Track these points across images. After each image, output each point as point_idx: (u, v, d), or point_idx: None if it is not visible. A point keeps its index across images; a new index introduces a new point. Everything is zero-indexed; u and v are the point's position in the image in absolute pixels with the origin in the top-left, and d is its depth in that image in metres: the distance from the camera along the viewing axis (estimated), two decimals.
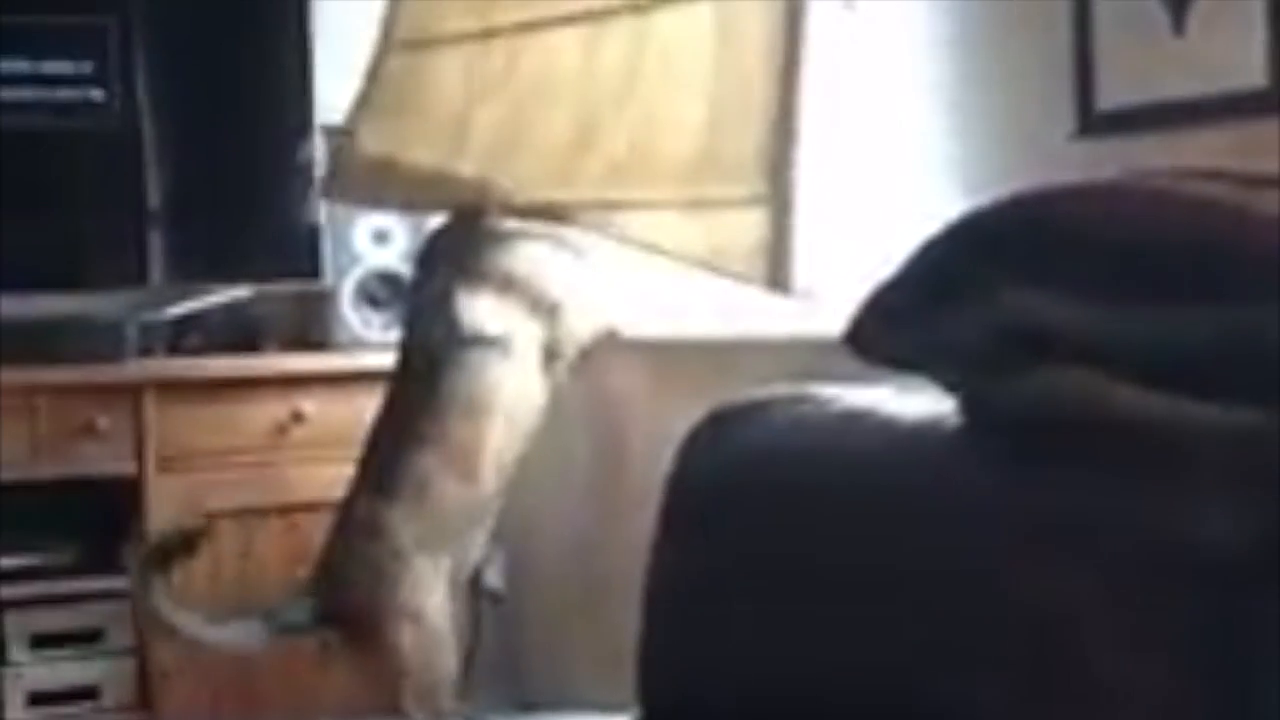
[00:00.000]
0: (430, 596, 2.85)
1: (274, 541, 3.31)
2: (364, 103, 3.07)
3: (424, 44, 2.94)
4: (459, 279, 2.90)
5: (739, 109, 2.23)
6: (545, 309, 2.92)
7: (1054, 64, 2.24)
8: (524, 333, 2.90)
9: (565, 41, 2.60)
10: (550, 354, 2.94)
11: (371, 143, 3.03)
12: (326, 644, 2.87)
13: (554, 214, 2.70)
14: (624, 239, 2.55)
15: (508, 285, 2.90)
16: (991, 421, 1.65)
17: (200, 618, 2.85)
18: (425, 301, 2.97)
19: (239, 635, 2.86)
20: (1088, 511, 1.48)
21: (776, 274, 2.12)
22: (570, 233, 2.90)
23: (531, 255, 2.92)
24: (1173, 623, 1.39)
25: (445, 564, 2.88)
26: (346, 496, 2.91)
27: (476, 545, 2.99)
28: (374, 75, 3.06)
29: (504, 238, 2.91)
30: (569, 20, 2.59)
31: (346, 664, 2.89)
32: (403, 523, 2.83)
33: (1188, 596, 1.39)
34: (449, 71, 2.88)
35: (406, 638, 2.82)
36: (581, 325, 2.98)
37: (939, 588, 1.58)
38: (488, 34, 2.78)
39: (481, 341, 2.86)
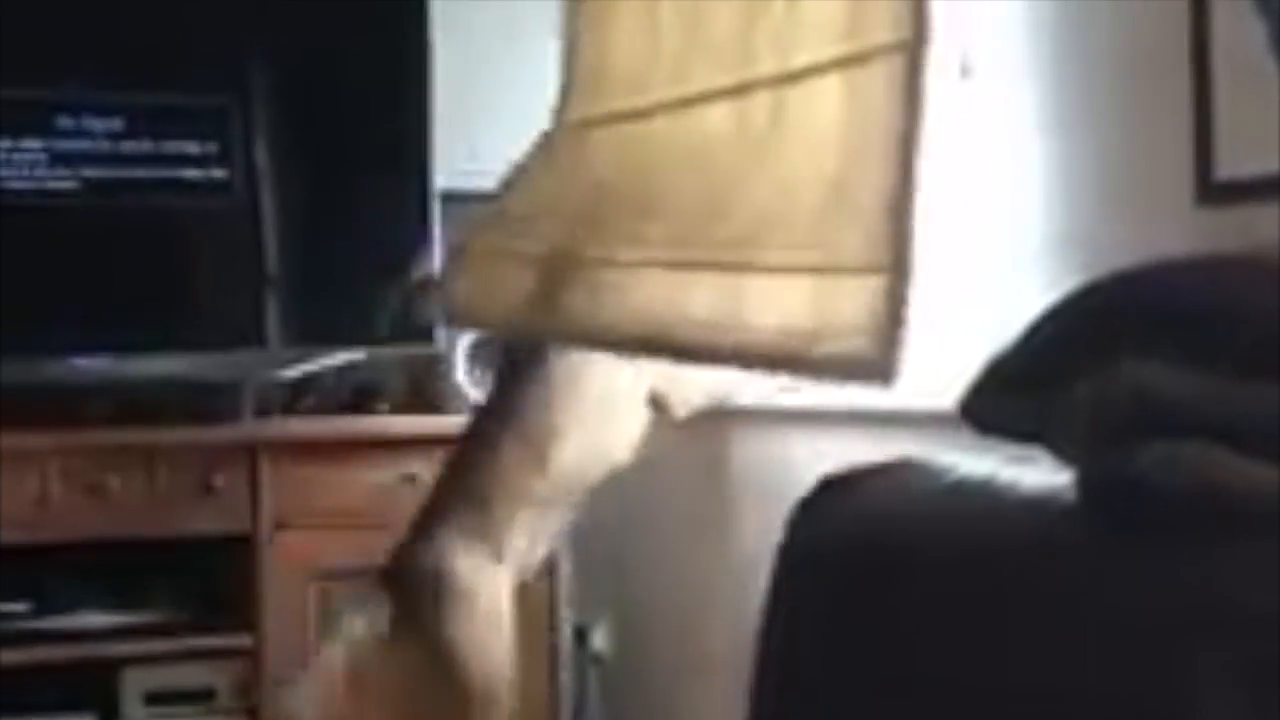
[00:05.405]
0: (484, 582, 2.85)
1: None
2: (518, 174, 3.08)
3: (583, 125, 2.97)
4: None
5: (861, 178, 2.23)
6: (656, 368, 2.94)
7: (1173, 133, 2.23)
8: (633, 370, 2.91)
9: (713, 115, 2.61)
10: (657, 403, 2.95)
11: (493, 232, 3.04)
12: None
13: (659, 346, 2.69)
14: (727, 361, 2.53)
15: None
16: (1109, 494, 1.63)
17: None
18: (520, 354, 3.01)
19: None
20: (1210, 588, 1.46)
21: (884, 347, 2.10)
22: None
23: None
24: None
25: (510, 557, 2.87)
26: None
27: (541, 541, 2.98)
28: (531, 156, 3.08)
29: None
30: (718, 95, 2.61)
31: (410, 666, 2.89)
32: (460, 523, 2.84)
33: None
34: (602, 150, 2.90)
35: (462, 624, 2.82)
36: (694, 388, 2.98)
37: (1055, 664, 1.56)
38: (641, 113, 2.80)
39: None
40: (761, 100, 2.49)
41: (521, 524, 2.90)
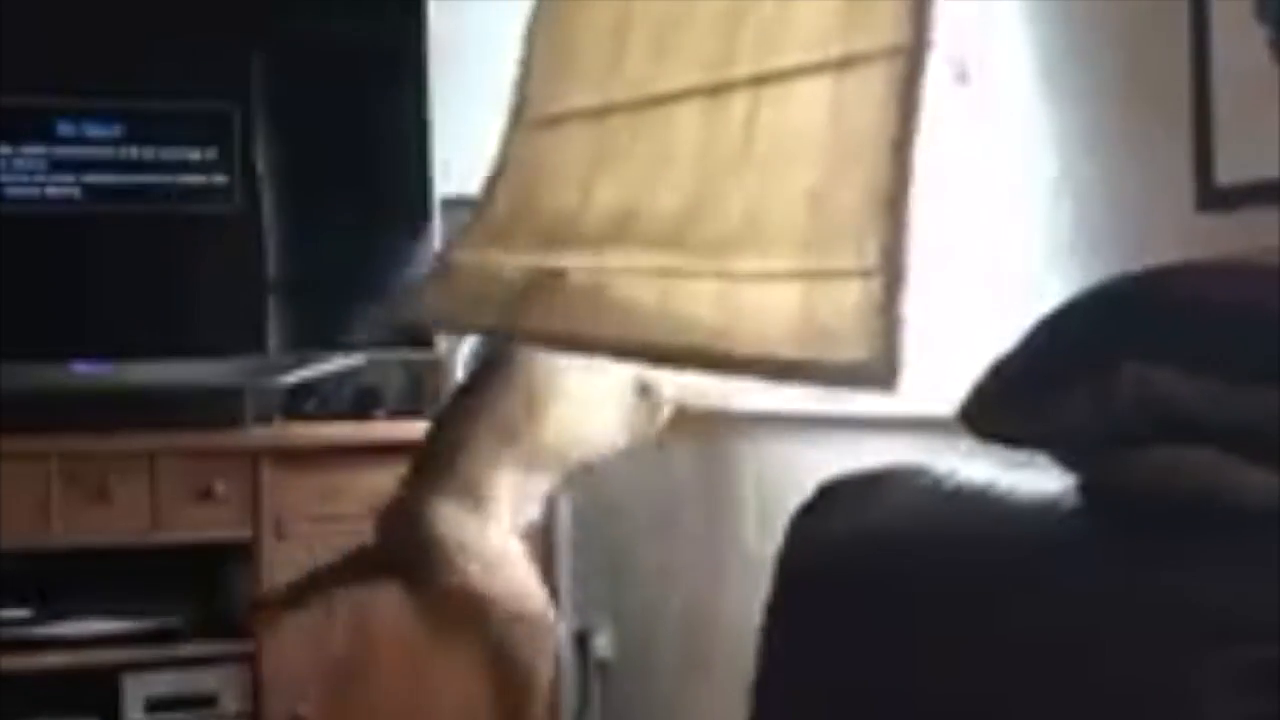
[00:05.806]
0: (470, 534, 2.89)
1: (386, 606, 3.33)
2: (496, 175, 3.08)
3: (550, 122, 2.96)
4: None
5: (850, 182, 2.22)
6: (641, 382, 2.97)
7: (1173, 138, 2.22)
8: (614, 369, 2.95)
9: (686, 114, 2.60)
10: (644, 389, 2.97)
11: (479, 240, 3.05)
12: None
13: (651, 354, 2.70)
14: (725, 372, 2.53)
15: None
16: (1111, 499, 1.63)
17: None
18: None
19: None
20: (1212, 595, 1.45)
21: (884, 352, 2.09)
22: None
23: None
24: None
25: (494, 515, 2.92)
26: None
27: (526, 503, 3.01)
28: (503, 155, 3.08)
29: None
30: (690, 93, 2.60)
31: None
32: (436, 485, 2.91)
33: None
34: (573, 148, 2.90)
35: (459, 573, 2.86)
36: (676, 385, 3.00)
37: (1057, 669, 1.56)
38: (609, 110, 2.79)
39: None
40: (742, 101, 2.48)
41: (501, 486, 2.91)
